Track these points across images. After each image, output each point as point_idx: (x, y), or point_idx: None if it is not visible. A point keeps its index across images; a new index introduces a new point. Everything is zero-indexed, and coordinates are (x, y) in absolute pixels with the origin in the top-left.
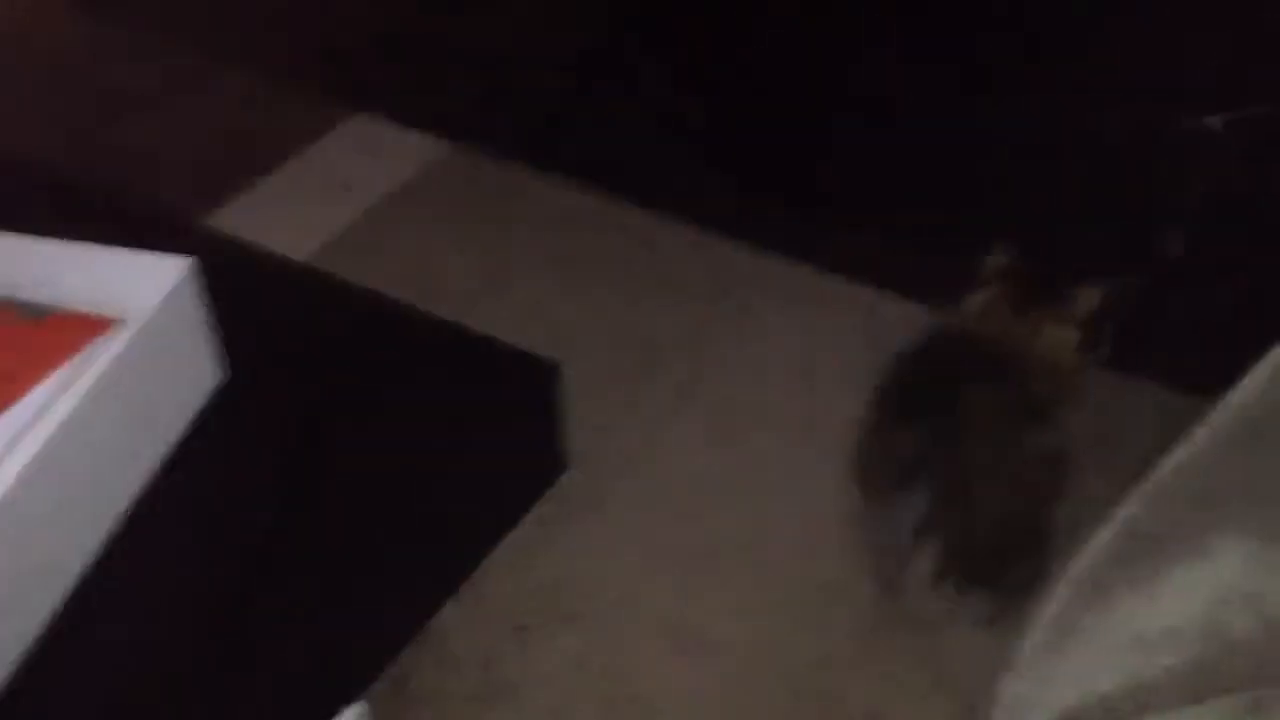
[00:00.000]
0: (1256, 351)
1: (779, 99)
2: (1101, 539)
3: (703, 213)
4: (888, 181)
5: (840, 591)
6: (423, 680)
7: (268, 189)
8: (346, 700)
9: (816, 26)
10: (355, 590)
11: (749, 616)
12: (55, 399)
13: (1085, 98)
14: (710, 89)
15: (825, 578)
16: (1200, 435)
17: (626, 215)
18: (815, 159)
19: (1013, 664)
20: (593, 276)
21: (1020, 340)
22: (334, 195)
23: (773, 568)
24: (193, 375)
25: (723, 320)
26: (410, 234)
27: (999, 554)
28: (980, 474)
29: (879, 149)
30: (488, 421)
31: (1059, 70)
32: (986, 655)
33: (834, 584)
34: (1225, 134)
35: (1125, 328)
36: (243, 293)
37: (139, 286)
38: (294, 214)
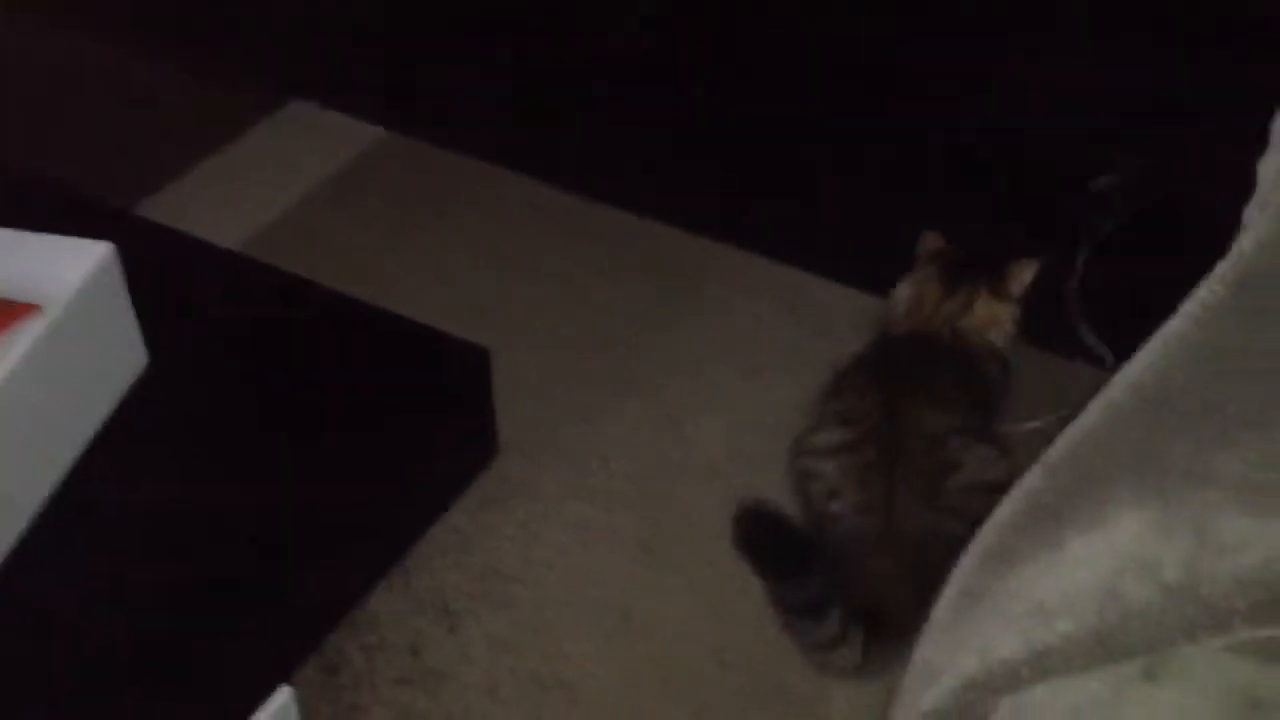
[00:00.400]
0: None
1: (718, 86)
2: (1006, 510)
3: (642, 199)
4: (829, 167)
5: None
6: (352, 665)
7: (202, 175)
8: (274, 685)
9: (756, 14)
10: (282, 575)
11: (680, 599)
12: None
13: (1011, 85)
14: (649, 75)
15: None
16: (1097, 408)
17: (564, 202)
18: (755, 145)
19: (925, 632)
20: (529, 263)
21: (953, 318)
22: (269, 182)
23: (704, 552)
24: (115, 361)
25: (661, 306)
26: (345, 221)
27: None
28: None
29: (821, 134)
30: (418, 407)
31: (989, 56)
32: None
33: None
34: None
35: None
36: (167, 279)
37: (59, 272)
38: (229, 200)
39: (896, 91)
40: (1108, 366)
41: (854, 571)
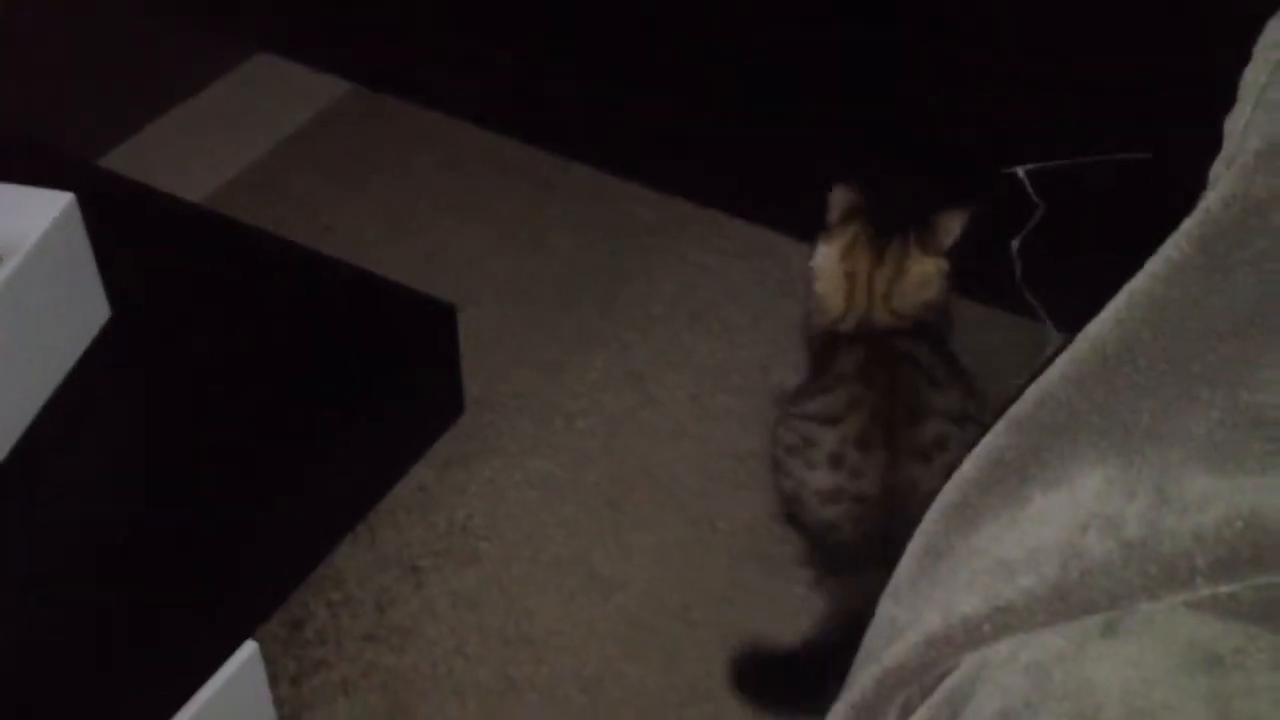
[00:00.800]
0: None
1: (689, 39)
2: (969, 465)
3: (610, 156)
4: (799, 126)
5: (739, 531)
6: (317, 621)
7: (166, 128)
8: (239, 640)
9: None
10: (246, 530)
11: (646, 556)
12: None
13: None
14: (619, 29)
15: (724, 517)
16: (1060, 366)
17: (531, 157)
18: (725, 102)
19: (888, 589)
20: (495, 218)
21: (889, 293)
22: (233, 135)
23: (671, 509)
24: (77, 313)
25: (628, 264)
26: (309, 175)
27: None
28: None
29: (792, 92)
30: (384, 363)
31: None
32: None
33: (732, 524)
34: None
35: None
36: (129, 231)
37: (19, 221)
38: (192, 153)
39: (864, 50)
40: (1051, 329)
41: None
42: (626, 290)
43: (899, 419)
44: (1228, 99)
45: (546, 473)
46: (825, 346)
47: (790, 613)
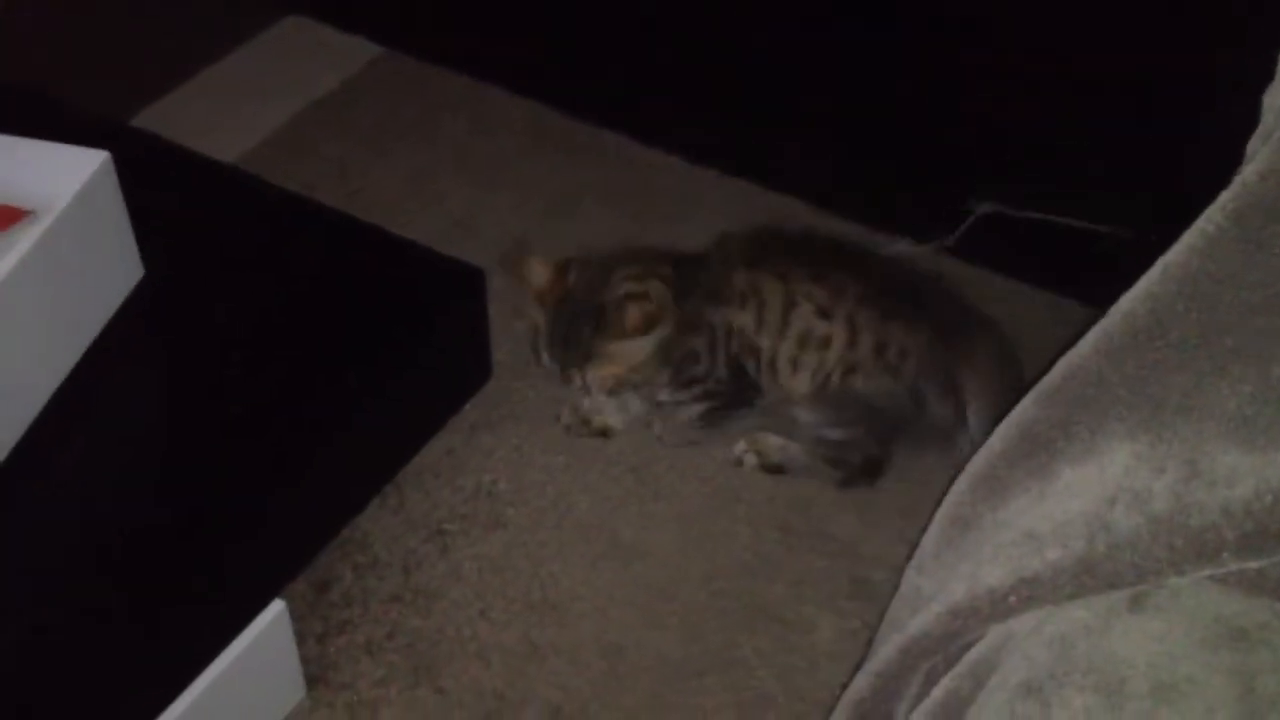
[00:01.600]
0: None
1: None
2: (997, 439)
3: (638, 123)
4: (830, 102)
5: (761, 501)
6: (344, 583)
7: (196, 90)
8: (266, 599)
9: None
10: (275, 490)
11: (669, 526)
12: None
13: None
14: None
15: (747, 488)
16: (1091, 338)
17: (560, 124)
18: (753, 74)
19: (915, 559)
20: (524, 185)
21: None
22: (263, 97)
23: (694, 479)
24: (110, 271)
25: (655, 233)
26: (339, 139)
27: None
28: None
29: (819, 64)
30: (413, 326)
31: None
32: (900, 563)
33: (755, 494)
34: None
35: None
36: (164, 191)
37: (56, 179)
38: (222, 115)
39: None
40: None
41: None
42: None
43: None
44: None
45: (570, 440)
46: None
47: (812, 584)
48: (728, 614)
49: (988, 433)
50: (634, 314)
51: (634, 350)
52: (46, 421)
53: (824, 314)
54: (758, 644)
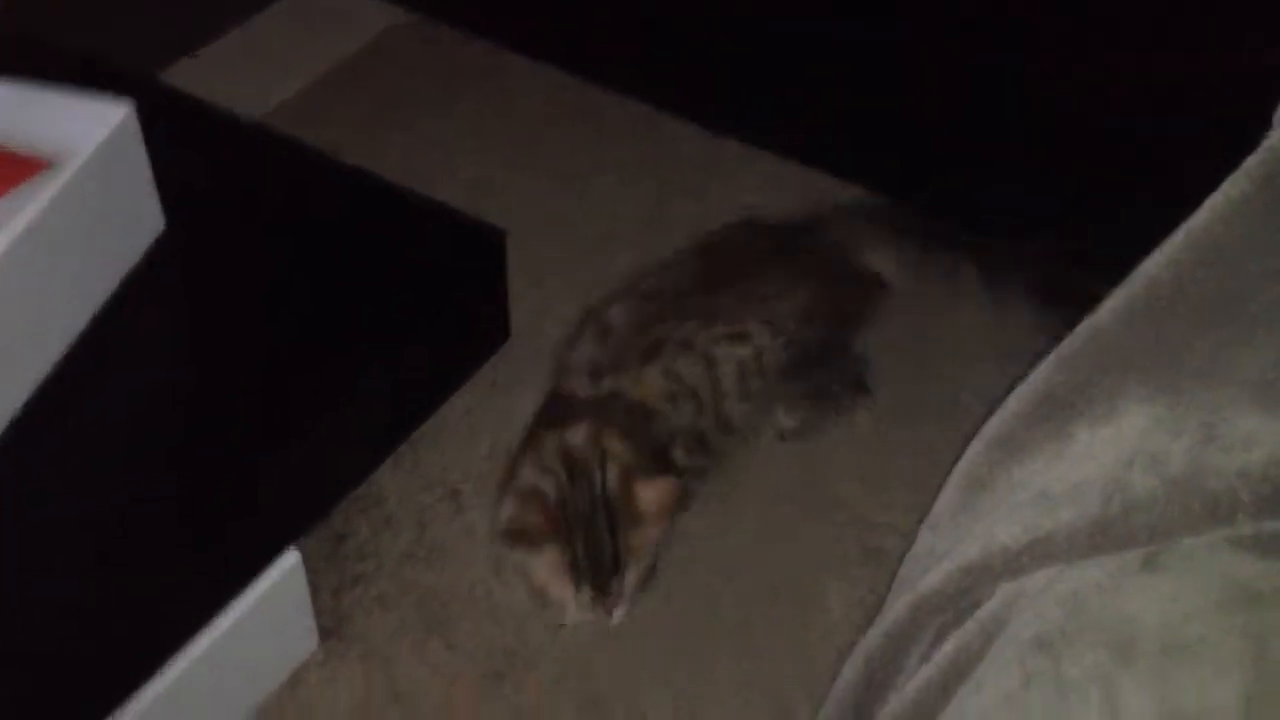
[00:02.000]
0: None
1: None
2: (1015, 400)
3: (659, 91)
4: (845, 71)
5: (769, 463)
6: (359, 537)
7: (219, 51)
8: (280, 548)
9: None
10: (292, 442)
11: None
12: None
13: None
14: None
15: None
16: (1112, 302)
17: (582, 92)
18: (779, 39)
19: (929, 518)
20: (545, 154)
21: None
22: (283, 61)
23: None
24: (132, 223)
25: (676, 204)
26: (360, 104)
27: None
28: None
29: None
30: (432, 286)
31: None
32: (912, 533)
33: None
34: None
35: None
36: (186, 145)
37: (79, 130)
38: (244, 77)
39: None
40: None
41: None
42: (672, 227)
43: None
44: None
45: None
46: None
47: (833, 558)
48: (743, 592)
49: None
50: (648, 496)
51: (662, 510)
52: (65, 370)
53: (739, 337)
54: (772, 615)
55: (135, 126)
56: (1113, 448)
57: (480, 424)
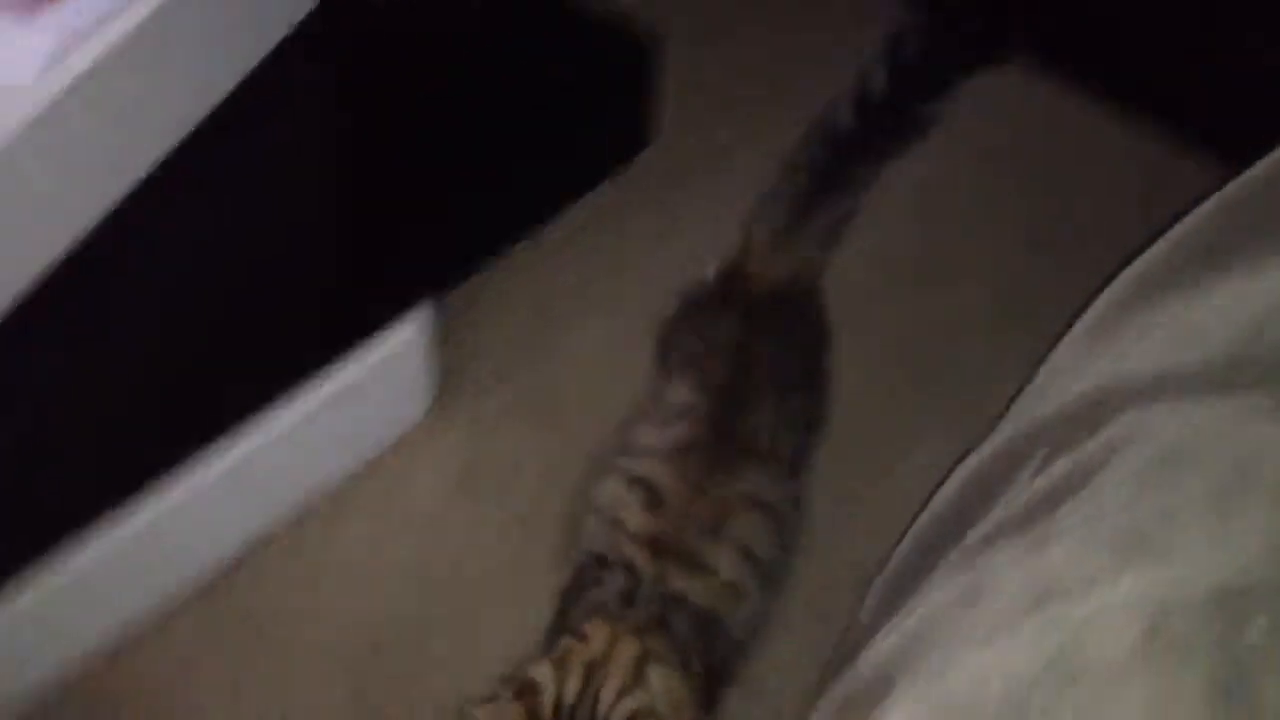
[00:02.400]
0: None
1: None
2: (1159, 247)
3: None
4: None
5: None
6: (483, 308)
7: None
8: (418, 300)
9: None
10: (435, 210)
11: None
12: None
13: None
14: None
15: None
16: (1261, 167)
17: None
18: None
19: (1050, 360)
20: None
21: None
22: None
23: None
24: None
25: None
26: None
27: None
28: None
29: None
30: (578, 85)
31: None
32: None
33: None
34: None
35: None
36: None
37: None
38: None
39: None
40: None
41: None
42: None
43: None
44: None
45: (714, 216)
46: None
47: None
48: None
49: None
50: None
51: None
52: (208, 134)
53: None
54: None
55: None
56: (1256, 297)
57: (611, 221)
